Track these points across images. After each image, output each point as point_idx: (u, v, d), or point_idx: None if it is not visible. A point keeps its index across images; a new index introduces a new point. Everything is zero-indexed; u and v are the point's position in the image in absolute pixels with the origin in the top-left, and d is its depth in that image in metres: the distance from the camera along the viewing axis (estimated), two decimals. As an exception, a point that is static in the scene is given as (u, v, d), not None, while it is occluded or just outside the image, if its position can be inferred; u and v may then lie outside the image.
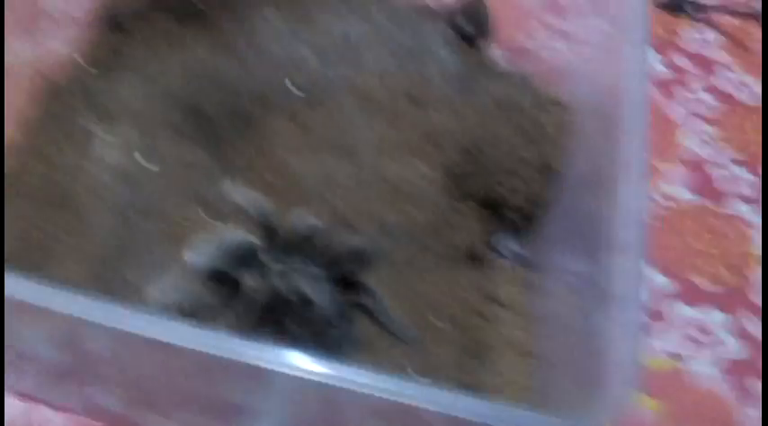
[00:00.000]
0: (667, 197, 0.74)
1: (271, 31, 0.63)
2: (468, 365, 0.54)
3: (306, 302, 0.46)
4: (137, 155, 0.57)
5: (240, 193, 0.51)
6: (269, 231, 0.50)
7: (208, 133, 0.59)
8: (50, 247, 0.55)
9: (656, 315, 0.67)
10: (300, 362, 0.38)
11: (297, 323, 0.46)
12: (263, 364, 0.39)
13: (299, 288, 0.46)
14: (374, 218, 0.55)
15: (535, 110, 0.65)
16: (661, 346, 0.65)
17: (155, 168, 0.56)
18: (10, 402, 0.61)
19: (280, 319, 0.46)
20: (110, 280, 0.53)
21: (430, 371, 0.51)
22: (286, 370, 0.38)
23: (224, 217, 0.54)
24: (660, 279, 0.69)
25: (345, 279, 0.50)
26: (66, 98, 0.61)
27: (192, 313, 0.47)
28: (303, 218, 0.51)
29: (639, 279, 0.44)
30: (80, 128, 0.59)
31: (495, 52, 0.78)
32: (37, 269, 0.54)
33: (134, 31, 0.65)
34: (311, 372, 0.38)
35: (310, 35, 0.64)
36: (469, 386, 0.54)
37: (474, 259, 0.60)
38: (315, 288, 0.46)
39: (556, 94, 0.69)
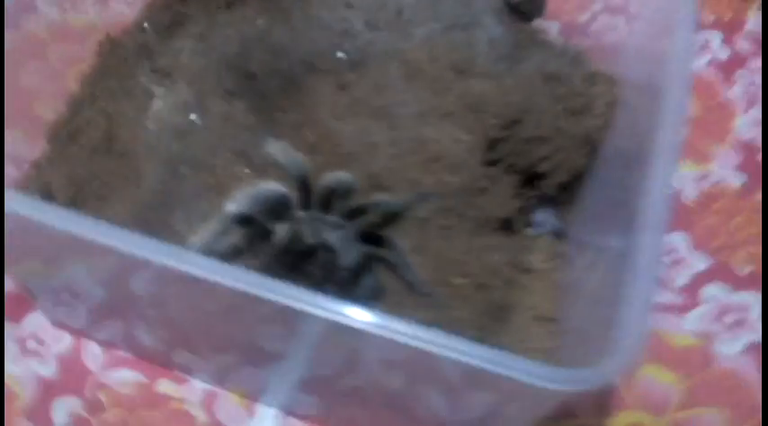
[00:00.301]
0: (716, 180, 0.73)
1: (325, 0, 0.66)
2: (489, 327, 0.56)
3: (329, 251, 0.48)
4: (191, 114, 0.60)
5: (280, 150, 0.54)
6: (304, 186, 0.52)
7: (256, 95, 0.61)
8: (102, 192, 0.59)
9: (690, 295, 0.67)
10: (323, 304, 0.41)
11: (321, 271, 0.48)
12: (287, 302, 0.41)
13: (324, 239, 0.48)
14: (409, 181, 0.56)
15: (584, 85, 0.66)
16: (691, 325, 0.65)
17: (205, 125, 0.59)
18: (62, 336, 0.65)
19: (305, 267, 0.48)
20: (155, 225, 0.56)
21: (450, 329, 0.52)
22: (309, 310, 0.41)
23: (266, 174, 0.57)
24: (698, 260, 0.68)
25: (371, 234, 0.52)
26: (129, 57, 0.65)
27: (226, 257, 0.50)
28: (337, 176, 0.53)
29: (657, 255, 0.45)
30: (140, 86, 0.63)
31: (552, 26, 0.79)
32: (88, 211, 0.59)
33: (195, -3, 0.68)
34: (332, 312, 0.41)
35: (363, 5, 0.66)
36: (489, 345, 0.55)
37: (506, 227, 0.61)
38: (339, 239, 0.48)
39: (607, 71, 0.69)
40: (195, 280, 0.43)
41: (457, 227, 0.56)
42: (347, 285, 0.49)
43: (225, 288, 0.42)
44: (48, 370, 0.64)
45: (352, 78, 0.61)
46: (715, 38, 0.82)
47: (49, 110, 0.69)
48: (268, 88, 0.61)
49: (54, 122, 0.65)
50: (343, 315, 0.41)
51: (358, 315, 0.41)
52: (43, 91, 0.72)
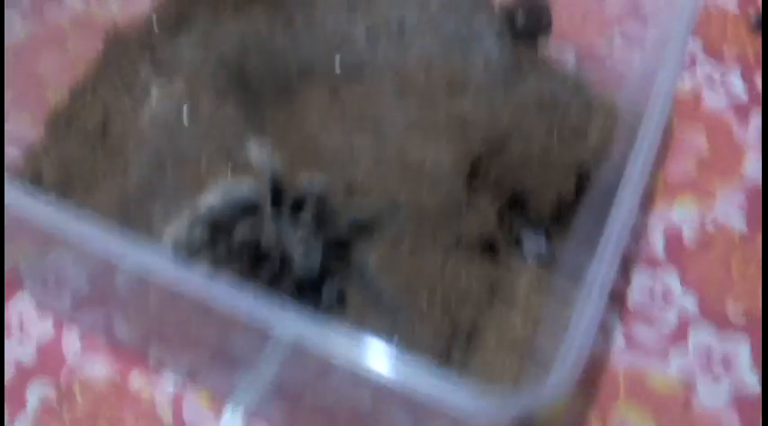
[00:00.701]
0: (719, 222, 0.71)
1: (329, 8, 0.66)
2: (455, 351, 0.55)
3: (285, 255, 0.48)
4: (184, 110, 0.61)
5: (256, 150, 0.54)
6: (276, 187, 0.52)
7: (250, 97, 0.62)
8: (90, 181, 0.60)
9: (676, 336, 0.65)
10: (283, 320, 0.41)
11: (273, 274, 0.48)
12: (251, 316, 0.41)
13: (282, 242, 0.48)
14: (386, 193, 0.56)
15: (582, 115, 0.65)
16: (676, 369, 0.63)
17: (194, 121, 0.60)
18: (44, 321, 0.66)
19: (258, 268, 0.48)
20: (136, 218, 0.57)
21: (412, 349, 0.52)
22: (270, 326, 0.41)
23: (248, 173, 0.57)
24: (690, 303, 0.66)
25: (339, 244, 0.51)
26: (132, 50, 0.66)
27: (193, 252, 0.51)
28: (312, 182, 0.53)
29: (604, 288, 0.44)
30: (139, 79, 0.64)
31: (568, 49, 0.78)
32: (73, 198, 0.60)
33: (204, -2, 0.69)
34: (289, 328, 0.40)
35: (366, 16, 0.66)
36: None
37: (489, 250, 0.60)
38: (300, 244, 0.48)
39: (611, 100, 0.68)
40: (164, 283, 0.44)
41: (430, 247, 0.55)
42: (301, 292, 0.48)
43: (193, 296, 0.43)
44: (26, 353, 0.65)
45: (344, 88, 0.62)
46: (733, 74, 0.80)
47: (60, 95, 0.71)
48: (261, 90, 0.62)
49: (53, 109, 0.66)
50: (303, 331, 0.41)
51: (313, 334, 0.40)
52: (58, 79, 0.74)
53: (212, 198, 0.51)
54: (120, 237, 0.44)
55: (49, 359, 0.65)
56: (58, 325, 0.66)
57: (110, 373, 0.64)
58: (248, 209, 0.51)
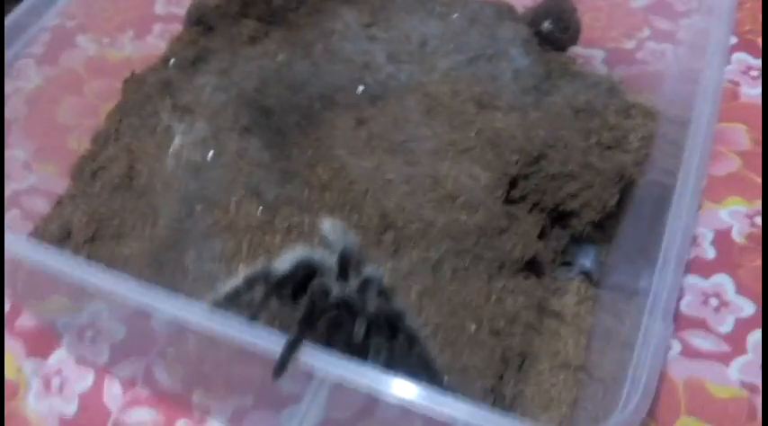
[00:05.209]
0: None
1: (348, 33, 0.64)
2: (507, 375, 0.53)
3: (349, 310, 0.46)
4: (208, 151, 0.60)
5: (329, 227, 0.52)
6: (345, 264, 0.50)
7: (272, 131, 0.60)
8: (120, 231, 0.59)
9: (738, 343, 0.62)
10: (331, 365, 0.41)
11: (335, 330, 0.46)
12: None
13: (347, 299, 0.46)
14: (422, 221, 0.54)
15: (619, 118, 0.63)
16: (735, 375, 0.60)
17: (220, 162, 0.58)
18: (85, 374, 0.65)
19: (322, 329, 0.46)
20: (168, 264, 0.56)
21: (461, 377, 0.50)
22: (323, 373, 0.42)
23: (278, 212, 0.56)
24: (744, 304, 0.64)
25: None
26: (152, 94, 0.65)
27: (245, 310, 0.49)
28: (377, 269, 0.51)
29: (671, 298, 0.42)
30: (162, 123, 0.63)
31: (596, 54, 0.76)
32: (104, 248, 0.59)
33: (220, 32, 0.68)
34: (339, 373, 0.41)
35: (387, 38, 0.64)
36: (507, 397, 0.53)
37: (533, 269, 0.58)
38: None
39: (646, 102, 0.66)
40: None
41: (472, 270, 0.53)
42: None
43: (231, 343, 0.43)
44: (69, 409, 0.63)
45: (371, 113, 0.60)
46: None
47: (82, 144, 0.70)
48: (285, 124, 0.60)
49: (78, 159, 0.65)
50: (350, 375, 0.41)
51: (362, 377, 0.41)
52: (78, 125, 0.73)
53: (286, 263, 0.49)
54: (149, 290, 0.44)
55: (92, 413, 0.63)
56: (100, 378, 0.65)
57: (155, 421, 0.62)
58: (311, 275, 0.49)
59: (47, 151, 0.71)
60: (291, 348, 0.42)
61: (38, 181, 0.70)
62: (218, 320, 0.43)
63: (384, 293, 0.49)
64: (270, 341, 0.42)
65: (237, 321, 0.43)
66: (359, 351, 0.45)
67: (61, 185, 0.70)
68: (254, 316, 0.46)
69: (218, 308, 0.46)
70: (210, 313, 0.44)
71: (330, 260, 0.50)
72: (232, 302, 0.47)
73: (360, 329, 0.44)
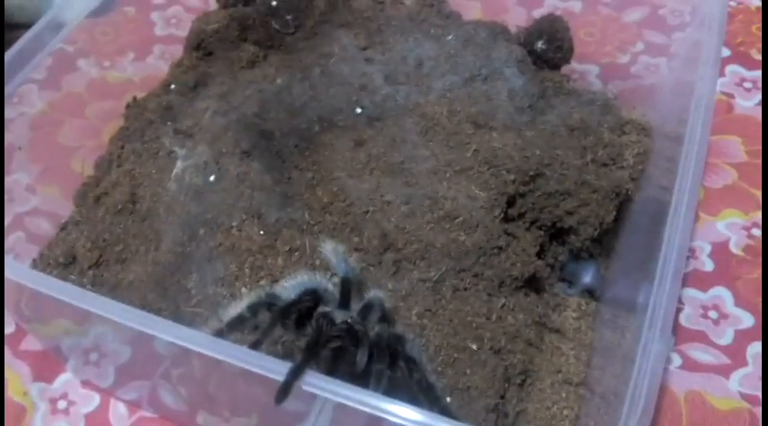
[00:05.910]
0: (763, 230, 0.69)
1: (345, 56, 0.65)
2: (509, 392, 0.53)
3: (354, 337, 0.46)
4: (209, 175, 0.60)
5: (332, 250, 0.53)
6: (346, 287, 0.51)
7: (274, 156, 0.61)
8: (123, 255, 0.60)
9: (738, 355, 0.63)
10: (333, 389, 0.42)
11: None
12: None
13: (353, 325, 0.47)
14: (421, 242, 0.55)
15: (614, 134, 0.63)
16: (738, 386, 0.61)
17: (222, 186, 0.59)
18: (90, 396, 0.65)
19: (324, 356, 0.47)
20: (171, 288, 0.56)
21: (463, 396, 0.50)
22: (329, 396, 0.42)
23: (279, 236, 0.56)
24: (743, 316, 0.64)
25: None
26: (154, 119, 0.65)
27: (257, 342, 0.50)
28: (378, 294, 0.52)
29: (670, 311, 0.42)
30: (163, 147, 0.63)
31: (591, 70, 0.77)
32: (108, 272, 0.59)
33: (219, 57, 0.69)
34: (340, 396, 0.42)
35: (383, 60, 0.65)
36: (510, 415, 0.53)
37: (532, 286, 0.59)
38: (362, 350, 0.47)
39: (640, 118, 0.67)
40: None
41: (472, 289, 0.54)
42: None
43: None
44: (76, 431, 0.64)
45: (369, 134, 0.61)
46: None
47: (86, 165, 0.71)
48: (284, 147, 0.61)
49: (81, 185, 0.66)
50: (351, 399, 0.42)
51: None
52: (81, 147, 0.74)
53: (290, 289, 0.50)
54: (152, 320, 0.45)
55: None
56: (105, 400, 0.65)
57: (161, 444, 0.63)
58: (313, 299, 0.50)
59: (50, 173, 0.72)
60: (295, 375, 0.43)
61: (41, 202, 0.71)
62: (220, 349, 0.44)
63: (385, 318, 0.49)
64: (272, 371, 0.43)
65: (240, 349, 0.44)
66: (361, 378, 0.46)
67: (64, 206, 0.71)
68: (257, 343, 0.46)
69: (221, 336, 0.47)
70: (213, 341, 0.44)
71: (332, 286, 0.50)
72: (235, 328, 0.48)
73: (362, 358, 0.45)
